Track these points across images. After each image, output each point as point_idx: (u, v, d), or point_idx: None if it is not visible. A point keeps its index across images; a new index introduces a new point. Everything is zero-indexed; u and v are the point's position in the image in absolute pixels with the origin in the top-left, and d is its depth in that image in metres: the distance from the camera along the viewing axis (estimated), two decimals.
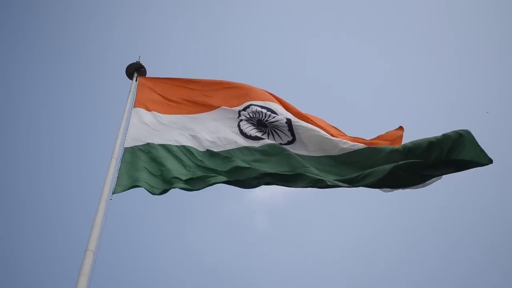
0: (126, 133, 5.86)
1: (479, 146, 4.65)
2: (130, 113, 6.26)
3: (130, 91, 6.93)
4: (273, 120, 6.21)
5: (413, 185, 5.21)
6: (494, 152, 4.59)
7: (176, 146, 5.82)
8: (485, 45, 19.52)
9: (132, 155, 5.51)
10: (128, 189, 5.02)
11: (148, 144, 5.77)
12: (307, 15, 21.30)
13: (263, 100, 6.62)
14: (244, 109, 6.46)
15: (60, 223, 15.92)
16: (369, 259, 16.03)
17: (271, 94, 6.87)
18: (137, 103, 6.54)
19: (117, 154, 5.46)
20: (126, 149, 5.55)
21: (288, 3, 21.66)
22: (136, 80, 7.23)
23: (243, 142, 5.90)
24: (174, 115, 6.54)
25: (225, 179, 5.28)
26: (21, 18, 19.67)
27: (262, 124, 6.22)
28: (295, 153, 5.64)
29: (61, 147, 18.13)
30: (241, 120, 6.31)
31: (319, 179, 5.11)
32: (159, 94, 6.95)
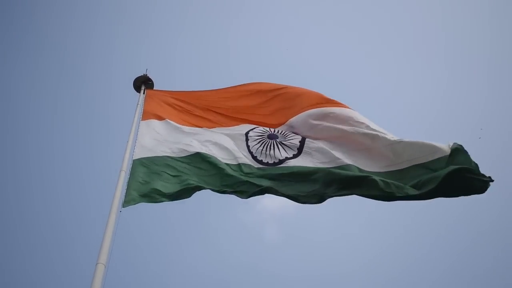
0: (135, 145, 5.86)
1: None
2: (138, 126, 6.29)
3: (137, 103, 6.96)
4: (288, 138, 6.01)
5: (474, 192, 4.64)
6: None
7: (210, 155, 5.74)
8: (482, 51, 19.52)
9: (144, 166, 5.49)
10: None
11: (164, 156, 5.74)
12: (314, 19, 21.41)
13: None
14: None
15: (70, 237, 15.93)
16: (383, 268, 15.88)
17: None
18: (145, 115, 6.56)
19: (126, 167, 5.46)
20: (135, 161, 5.54)
21: (295, 7, 21.75)
22: (143, 93, 7.28)
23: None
24: (192, 127, 6.51)
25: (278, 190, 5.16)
26: (27, 31, 19.88)
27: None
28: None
29: (70, 161, 18.20)
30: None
31: (385, 188, 4.71)
32: (170, 105, 6.96)
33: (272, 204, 19.37)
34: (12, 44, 18.97)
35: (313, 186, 5.11)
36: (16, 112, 18.26)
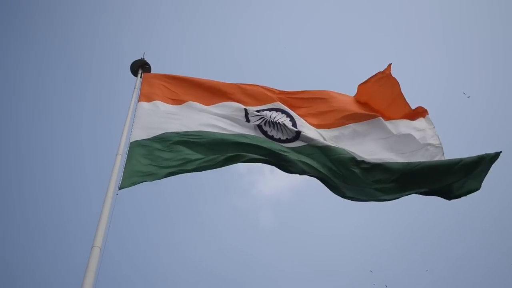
0: (132, 128, 5.83)
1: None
2: (135, 109, 6.25)
3: (135, 87, 6.91)
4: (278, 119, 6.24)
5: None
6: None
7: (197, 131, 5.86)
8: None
9: (141, 148, 5.47)
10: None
11: (165, 133, 5.77)
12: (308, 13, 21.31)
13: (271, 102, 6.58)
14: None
15: (67, 220, 15.98)
16: (377, 252, 15.95)
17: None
18: (142, 98, 6.53)
19: (122, 150, 5.44)
20: (132, 144, 5.51)
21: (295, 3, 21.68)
22: (140, 77, 7.22)
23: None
24: (185, 103, 6.56)
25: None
26: (28, 17, 19.74)
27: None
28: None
29: (67, 146, 18.18)
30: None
31: None
32: (166, 86, 6.93)
33: (266, 189, 19.43)
34: (16, 37, 18.87)
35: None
36: (18, 97, 18.22)
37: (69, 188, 17.22)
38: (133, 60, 7.49)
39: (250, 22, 23.06)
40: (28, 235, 15.56)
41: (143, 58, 7.51)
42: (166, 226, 17.34)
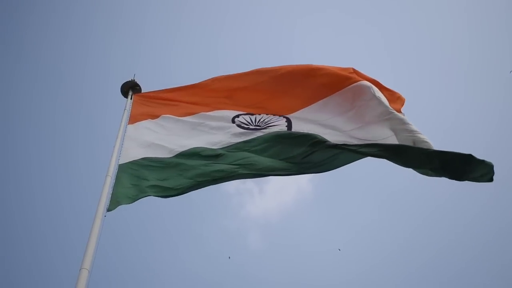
0: (121, 150, 5.85)
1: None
2: (125, 131, 6.28)
3: (125, 109, 6.94)
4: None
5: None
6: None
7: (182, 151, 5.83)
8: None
9: (129, 170, 5.49)
10: (134, 200, 5.06)
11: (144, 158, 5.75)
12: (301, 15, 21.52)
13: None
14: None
15: (55, 242, 15.80)
16: (370, 274, 15.90)
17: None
18: (132, 119, 6.57)
19: (112, 172, 5.45)
20: (120, 166, 5.53)
21: (277, 12, 21.90)
22: (131, 98, 7.26)
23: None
24: (174, 116, 6.60)
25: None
26: (18, 37, 19.77)
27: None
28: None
29: (57, 166, 18.09)
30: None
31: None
32: (156, 103, 6.98)
33: (256, 211, 19.37)
34: (8, 58, 18.87)
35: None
36: (9, 119, 18.17)
37: (58, 209, 17.08)
38: (123, 82, 7.56)
39: (241, 38, 23.28)
40: (15, 258, 15.36)
41: (133, 80, 7.55)
42: (156, 246, 17.22)
